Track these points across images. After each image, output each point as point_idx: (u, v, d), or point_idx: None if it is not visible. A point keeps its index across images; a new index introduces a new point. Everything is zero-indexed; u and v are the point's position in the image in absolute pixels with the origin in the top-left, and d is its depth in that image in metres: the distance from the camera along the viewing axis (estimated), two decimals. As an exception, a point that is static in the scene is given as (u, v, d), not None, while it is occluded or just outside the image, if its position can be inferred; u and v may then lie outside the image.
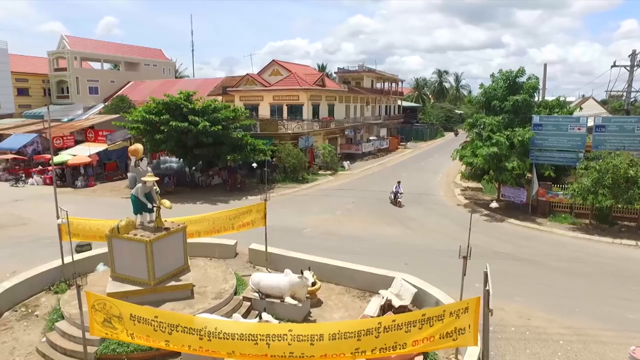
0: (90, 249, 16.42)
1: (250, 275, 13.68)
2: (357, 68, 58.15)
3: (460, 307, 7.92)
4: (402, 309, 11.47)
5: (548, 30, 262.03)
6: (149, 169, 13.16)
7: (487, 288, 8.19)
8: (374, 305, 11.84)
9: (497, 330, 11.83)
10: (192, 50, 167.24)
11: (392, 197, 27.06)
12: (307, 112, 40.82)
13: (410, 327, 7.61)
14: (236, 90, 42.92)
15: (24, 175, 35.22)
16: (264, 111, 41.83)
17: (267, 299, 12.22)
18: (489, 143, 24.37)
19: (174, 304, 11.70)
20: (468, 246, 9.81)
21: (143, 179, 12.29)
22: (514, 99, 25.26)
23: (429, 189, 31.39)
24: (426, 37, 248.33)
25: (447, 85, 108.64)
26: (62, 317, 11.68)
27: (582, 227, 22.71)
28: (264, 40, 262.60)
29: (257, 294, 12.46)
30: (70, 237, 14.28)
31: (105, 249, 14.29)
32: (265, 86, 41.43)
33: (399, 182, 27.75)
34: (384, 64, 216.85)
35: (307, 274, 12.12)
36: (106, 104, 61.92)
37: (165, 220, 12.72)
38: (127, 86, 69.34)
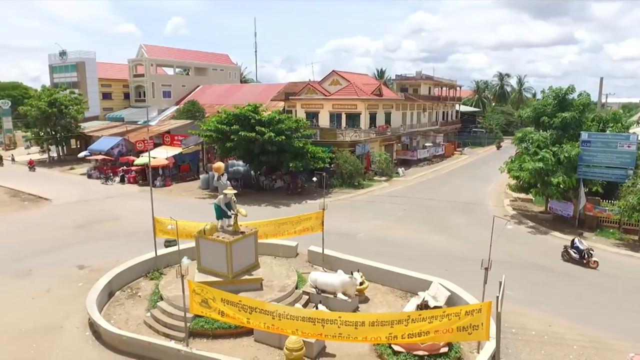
0: (177, 245, 19.58)
1: (308, 273, 16.26)
2: (414, 75, 59.67)
3: (475, 308, 9.99)
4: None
5: (628, 24, 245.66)
6: (229, 183, 15.95)
7: (498, 295, 10.13)
8: (412, 304, 14.00)
9: (518, 332, 13.68)
10: (255, 52, 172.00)
11: (574, 253, 20.03)
12: (364, 120, 43.03)
13: (433, 320, 9.80)
14: (298, 99, 45.85)
15: (111, 174, 39.89)
16: (324, 118, 44.45)
17: (322, 294, 14.70)
18: (535, 158, 25.58)
19: (247, 294, 14.40)
20: (489, 259, 11.69)
21: (224, 191, 15.12)
22: (562, 116, 26.23)
23: (479, 199, 32.68)
24: (491, 34, 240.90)
25: (508, 88, 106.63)
26: (161, 299, 14.76)
27: (629, 244, 23.34)
28: (325, 39, 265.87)
29: (314, 290, 14.98)
30: (159, 233, 17.51)
31: (186, 245, 17.30)
32: (325, 95, 44.03)
33: (580, 235, 21.81)
34: (446, 62, 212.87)
35: (357, 275, 14.51)
36: (178, 107, 67.12)
37: (241, 225, 15.50)
38: (196, 90, 74.41)
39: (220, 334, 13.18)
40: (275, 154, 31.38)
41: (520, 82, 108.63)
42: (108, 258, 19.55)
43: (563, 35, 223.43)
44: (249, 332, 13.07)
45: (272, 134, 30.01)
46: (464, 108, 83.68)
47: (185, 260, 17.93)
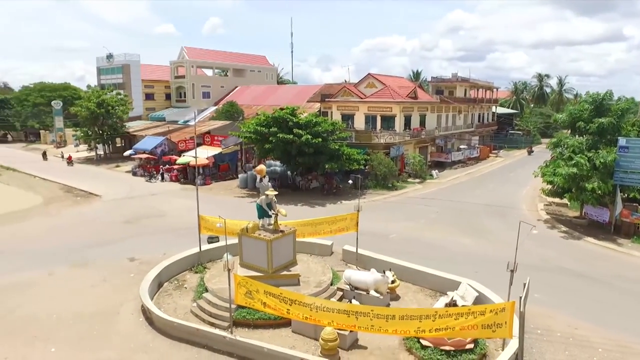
0: (218, 241, 20.86)
1: (343, 271, 17.20)
2: (450, 77, 59.69)
3: (499, 307, 10.73)
4: (464, 308, 14.25)
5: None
6: (270, 184, 17.05)
7: (521, 296, 10.79)
8: (441, 303, 14.71)
9: (543, 334, 14.20)
10: (291, 52, 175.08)
11: None
12: (399, 123, 43.58)
13: (459, 317, 10.57)
14: (334, 101, 46.80)
15: (154, 172, 41.92)
16: (359, 120, 45.23)
17: (355, 291, 15.60)
18: (570, 163, 25.65)
19: (285, 288, 15.46)
20: (515, 262, 12.29)
21: (266, 192, 16.22)
22: (599, 122, 26.16)
23: (513, 202, 32.80)
24: (531, 32, 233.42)
25: (548, 89, 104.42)
26: (206, 290, 16.00)
27: (665, 251, 23.26)
28: (360, 38, 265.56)
29: (348, 286, 15.90)
30: (203, 230, 18.81)
31: (228, 241, 18.49)
32: (361, 98, 44.81)
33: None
34: (484, 62, 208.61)
35: (388, 274, 15.35)
36: (217, 107, 69.18)
37: (280, 224, 16.57)
38: (234, 91, 76.36)
39: (260, 325, 14.29)
40: (312, 156, 32.42)
41: (560, 83, 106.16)
42: (155, 252, 21.06)
43: (610, 31, 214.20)
44: (286, 323, 14.11)
45: (309, 137, 31.07)
46: (501, 110, 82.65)
47: (227, 256, 19.23)
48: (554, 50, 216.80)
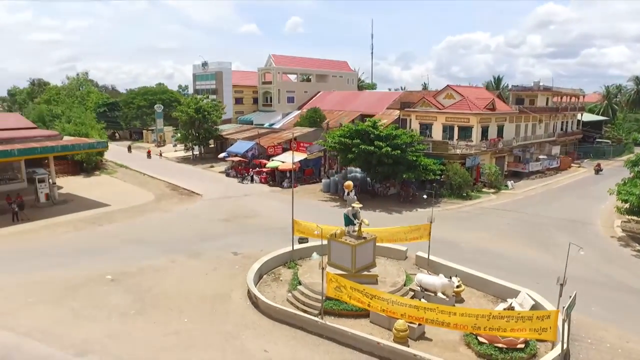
0: (307, 242, 24.22)
1: (415, 274, 19.86)
2: (532, 85, 59.35)
3: (545, 314, 13.01)
4: (521, 313, 16.41)
5: None
6: (356, 197, 20.07)
7: (564, 306, 12.93)
8: (500, 308, 16.96)
9: (593, 343, 16.02)
10: (371, 53, 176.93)
11: None
12: (476, 133, 44.88)
13: (510, 319, 13.00)
14: (413, 110, 48.96)
15: (246, 173, 46.56)
16: (437, 130, 47.06)
17: (425, 292, 18.22)
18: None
19: (365, 286, 18.43)
20: (564, 276, 14.31)
21: (352, 204, 19.26)
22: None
23: (588, 218, 33.27)
24: (635, 24, 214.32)
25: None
26: (299, 283, 19.36)
27: None
28: (442, 34, 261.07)
29: (418, 288, 18.56)
30: (296, 232, 22.24)
31: (315, 243, 21.75)
32: (439, 108, 46.61)
33: None
34: (577, 58, 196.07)
35: (454, 279, 17.82)
36: (300, 111, 73.49)
37: (363, 231, 19.54)
38: (317, 96, 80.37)
39: (344, 314, 17.37)
40: (391, 166, 35.04)
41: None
42: (253, 248, 24.92)
43: None
44: (365, 315, 17.08)
45: (389, 149, 33.75)
46: (588, 116, 79.22)
47: (315, 255, 22.51)
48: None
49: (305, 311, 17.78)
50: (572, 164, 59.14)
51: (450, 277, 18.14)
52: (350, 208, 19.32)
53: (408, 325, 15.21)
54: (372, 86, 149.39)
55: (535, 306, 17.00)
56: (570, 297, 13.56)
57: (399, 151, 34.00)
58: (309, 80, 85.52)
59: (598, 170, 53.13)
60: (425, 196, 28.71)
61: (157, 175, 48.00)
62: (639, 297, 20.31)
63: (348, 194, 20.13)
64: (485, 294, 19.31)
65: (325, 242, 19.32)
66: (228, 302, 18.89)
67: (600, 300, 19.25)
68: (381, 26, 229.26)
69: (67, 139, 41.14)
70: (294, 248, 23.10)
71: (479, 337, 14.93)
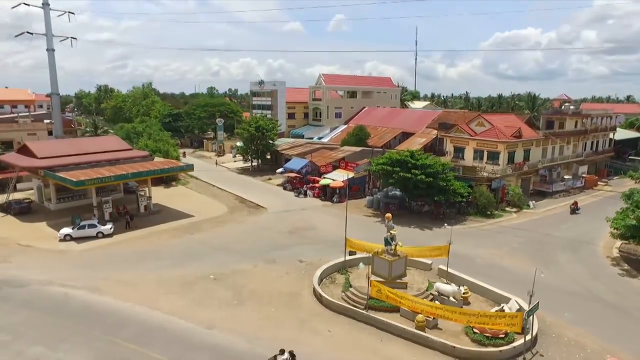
0: (355, 255, 31.70)
1: (435, 282, 27.03)
2: (562, 109, 64.44)
3: (514, 314, 20.14)
4: (507, 314, 23.37)
5: None
6: (394, 225, 27.42)
7: (526, 309, 19.97)
8: (494, 310, 23.90)
9: (556, 337, 22.79)
10: (415, 60, 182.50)
11: None
12: (503, 158, 51.08)
13: (491, 317, 20.16)
14: (448, 135, 55.60)
15: (300, 188, 54.52)
16: (469, 153, 53.55)
17: (440, 296, 25.40)
18: (632, 216, 32.16)
19: (397, 290, 25.78)
20: (533, 286, 21.11)
21: (390, 231, 26.65)
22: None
23: (592, 239, 39.04)
24: None
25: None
26: (351, 286, 26.95)
27: None
28: (491, 31, 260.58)
29: (436, 293, 25.75)
30: (348, 247, 29.82)
31: (360, 255, 29.28)
32: (471, 135, 53.06)
33: None
34: (638, 54, 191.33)
35: (462, 288, 24.97)
36: (347, 126, 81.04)
37: (398, 250, 26.86)
38: (362, 111, 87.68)
39: (382, 309, 24.77)
40: (425, 189, 42.10)
41: None
42: (315, 257, 32.71)
43: None
44: (396, 310, 24.40)
45: (423, 177, 40.82)
46: (624, 133, 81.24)
47: (361, 265, 29.98)
48: None
49: (354, 306, 25.32)
50: (599, 182, 63.45)
51: (459, 286, 25.28)
52: (388, 234, 26.72)
53: (426, 319, 22.52)
54: (416, 94, 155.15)
55: (520, 310, 23.88)
56: (532, 304, 20.50)
57: (431, 179, 40.99)
58: (355, 96, 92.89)
59: (574, 209, 47.80)
60: (446, 225, 35.53)
61: (225, 187, 56.75)
62: (606, 308, 26.68)
63: (388, 222, 27.49)
64: (486, 299, 26.27)
65: (365, 254, 26.85)
66: (300, 298, 26.75)
67: (573, 308, 25.87)
68: (427, 23, 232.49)
69: (159, 161, 50.43)
70: (346, 259, 30.68)
71: (474, 329, 22.03)
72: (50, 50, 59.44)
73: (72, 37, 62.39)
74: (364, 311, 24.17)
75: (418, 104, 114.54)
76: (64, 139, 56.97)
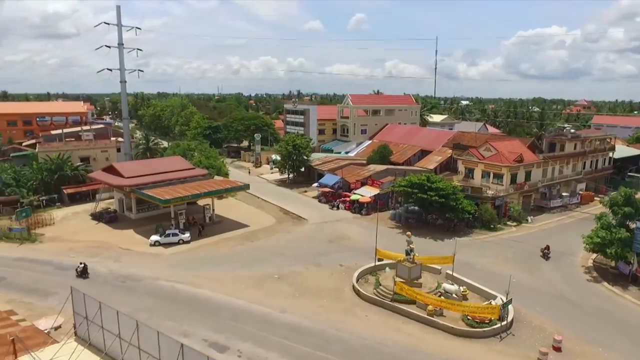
0: (383, 261, 41.51)
1: (443, 283, 36.75)
2: (564, 133, 73.04)
3: (494, 306, 29.96)
4: (493, 307, 33.03)
5: None
6: (412, 240, 37.20)
7: (500, 303, 29.72)
8: (485, 304, 33.47)
9: (525, 324, 32.28)
10: (435, 69, 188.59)
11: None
12: (506, 179, 60.24)
13: (478, 309, 30.06)
14: (461, 158, 65.03)
15: (333, 201, 64.42)
16: (477, 174, 62.84)
17: (446, 294, 35.08)
18: (599, 234, 41.18)
19: (414, 289, 35.52)
20: (509, 287, 30.66)
21: (410, 245, 36.42)
22: (624, 210, 41.14)
23: (574, 250, 47.81)
24: None
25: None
26: (380, 285, 36.87)
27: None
28: (514, 29, 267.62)
29: (443, 291, 35.44)
30: (377, 255, 39.81)
31: (386, 262, 39.16)
32: (479, 159, 62.37)
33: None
34: None
35: (461, 288, 34.77)
36: (372, 141, 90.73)
37: (415, 259, 36.59)
38: (385, 128, 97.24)
39: (403, 302, 34.51)
40: (438, 207, 51.73)
41: None
42: (351, 262, 42.65)
43: None
44: (413, 302, 34.12)
45: (437, 197, 50.45)
46: (625, 151, 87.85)
47: (387, 270, 39.91)
48: None
49: (383, 299, 35.15)
50: (596, 197, 71.62)
51: (459, 287, 34.98)
52: (408, 247, 36.48)
53: (434, 309, 32.29)
54: (435, 103, 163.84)
55: (502, 304, 33.41)
56: (506, 300, 30.17)
57: (443, 199, 50.60)
58: (378, 114, 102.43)
59: (546, 254, 46.21)
60: (456, 238, 45.06)
61: (268, 199, 67.05)
62: (567, 304, 36.01)
63: (408, 238, 37.21)
64: (480, 296, 35.84)
65: (389, 260, 36.72)
66: (343, 293, 36.75)
67: (543, 304, 35.32)
68: (448, 21, 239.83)
69: (219, 180, 61.03)
70: (376, 264, 40.53)
71: (468, 316, 31.70)
72: (123, 82, 70.65)
73: (139, 70, 73.57)
74: (390, 302, 34.06)
75: (436, 118, 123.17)
76: (140, 161, 68.10)
